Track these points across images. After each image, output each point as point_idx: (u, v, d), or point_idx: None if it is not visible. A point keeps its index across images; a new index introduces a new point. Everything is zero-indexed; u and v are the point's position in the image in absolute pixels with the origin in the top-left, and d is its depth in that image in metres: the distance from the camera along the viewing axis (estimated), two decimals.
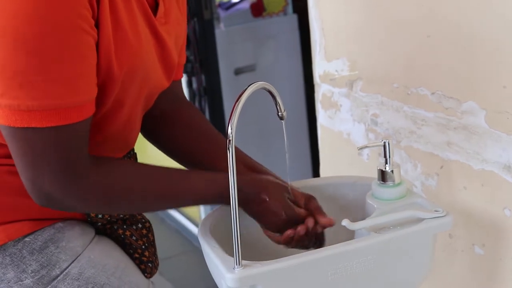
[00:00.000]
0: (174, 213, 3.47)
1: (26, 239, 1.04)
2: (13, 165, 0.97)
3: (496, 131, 1.14)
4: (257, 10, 3.04)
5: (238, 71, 3.00)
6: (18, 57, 0.88)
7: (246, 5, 3.04)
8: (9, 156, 0.98)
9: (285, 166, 1.12)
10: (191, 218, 3.34)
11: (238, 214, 0.93)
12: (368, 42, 1.40)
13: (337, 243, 1.01)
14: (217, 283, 1.03)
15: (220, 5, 3.01)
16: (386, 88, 1.36)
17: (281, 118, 1.05)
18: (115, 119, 1.05)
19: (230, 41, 2.97)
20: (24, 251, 1.03)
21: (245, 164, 1.18)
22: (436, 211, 1.05)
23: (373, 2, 1.36)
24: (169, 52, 1.10)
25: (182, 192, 1.07)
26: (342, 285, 1.00)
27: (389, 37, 1.33)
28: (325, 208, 1.13)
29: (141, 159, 1.19)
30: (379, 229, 1.03)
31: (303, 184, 1.20)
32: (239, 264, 0.94)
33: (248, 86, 0.95)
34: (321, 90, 1.57)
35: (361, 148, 1.45)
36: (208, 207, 3.07)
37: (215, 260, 0.98)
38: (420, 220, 1.05)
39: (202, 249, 1.05)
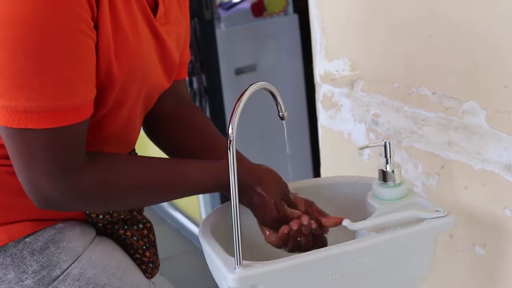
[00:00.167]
0: (174, 213, 3.47)
1: (27, 239, 1.04)
2: None
3: (497, 131, 1.14)
4: (258, 10, 3.04)
5: (238, 71, 3.00)
6: (18, 58, 0.88)
7: (246, 5, 3.04)
8: (8, 157, 0.98)
9: (286, 166, 1.12)
10: (191, 218, 3.34)
11: (239, 214, 0.93)
12: (369, 42, 1.40)
13: (337, 243, 1.01)
14: (218, 283, 1.03)
15: (221, 5, 3.01)
16: (387, 88, 1.36)
17: (282, 118, 1.04)
18: (115, 119, 1.05)
19: (231, 41, 2.97)
20: (24, 251, 1.03)
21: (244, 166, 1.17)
22: (437, 211, 1.05)
23: (373, 2, 1.36)
24: (170, 52, 1.10)
25: (182, 184, 1.06)
26: (343, 285, 1.00)
27: (389, 37, 1.33)
28: (325, 208, 1.13)
29: None
30: (380, 229, 1.03)
31: (304, 184, 1.20)
32: (240, 264, 0.94)
33: (249, 86, 0.95)
34: (322, 90, 1.57)
35: (361, 148, 1.45)
36: (209, 207, 3.08)
37: (216, 260, 0.98)
38: (421, 220, 1.05)
39: (203, 249, 1.05)
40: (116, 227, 1.15)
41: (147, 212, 1.24)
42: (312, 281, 0.98)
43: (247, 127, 2.92)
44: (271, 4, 3.05)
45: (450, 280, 1.32)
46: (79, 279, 1.05)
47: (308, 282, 0.98)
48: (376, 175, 1.10)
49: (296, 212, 1.09)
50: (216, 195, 3.03)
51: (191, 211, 3.32)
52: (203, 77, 2.87)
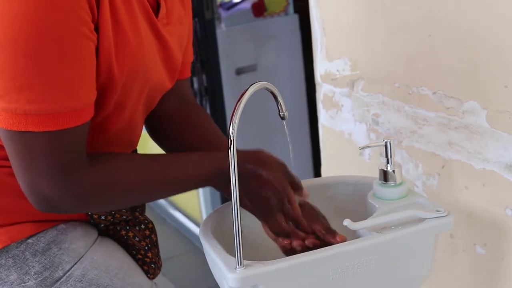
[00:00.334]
0: (175, 212, 3.47)
1: (29, 240, 1.04)
2: None
3: (498, 131, 1.14)
4: (258, 10, 3.04)
5: (239, 71, 3.00)
6: (18, 59, 0.88)
7: (247, 5, 3.04)
8: (8, 158, 0.98)
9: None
10: (192, 218, 3.34)
11: (240, 214, 0.93)
12: (369, 42, 1.40)
13: None
14: (218, 283, 1.03)
15: (221, 5, 3.01)
16: (387, 87, 1.36)
17: (283, 118, 1.04)
18: (117, 120, 1.05)
19: (231, 41, 2.97)
20: (26, 253, 1.03)
21: None
22: (437, 211, 1.05)
23: (374, 2, 1.36)
24: (172, 52, 1.10)
25: (183, 176, 1.05)
26: (344, 284, 1.00)
27: (390, 36, 1.34)
28: (326, 208, 1.13)
29: None
30: (380, 229, 1.03)
31: (305, 184, 1.20)
32: (240, 264, 0.94)
33: (250, 86, 0.94)
34: (323, 90, 1.57)
35: (362, 148, 1.45)
36: (210, 206, 3.08)
37: (217, 260, 0.98)
38: (421, 220, 1.05)
39: (204, 249, 1.05)
40: (118, 228, 1.15)
41: (147, 212, 1.24)
42: (313, 281, 0.98)
43: (248, 127, 2.92)
44: (272, 4, 3.05)
45: (451, 280, 1.32)
46: (82, 280, 1.05)
47: (309, 282, 0.98)
48: (376, 175, 1.10)
49: (299, 211, 1.09)
50: (216, 194, 3.03)
51: (191, 210, 3.32)
52: (204, 77, 2.87)
